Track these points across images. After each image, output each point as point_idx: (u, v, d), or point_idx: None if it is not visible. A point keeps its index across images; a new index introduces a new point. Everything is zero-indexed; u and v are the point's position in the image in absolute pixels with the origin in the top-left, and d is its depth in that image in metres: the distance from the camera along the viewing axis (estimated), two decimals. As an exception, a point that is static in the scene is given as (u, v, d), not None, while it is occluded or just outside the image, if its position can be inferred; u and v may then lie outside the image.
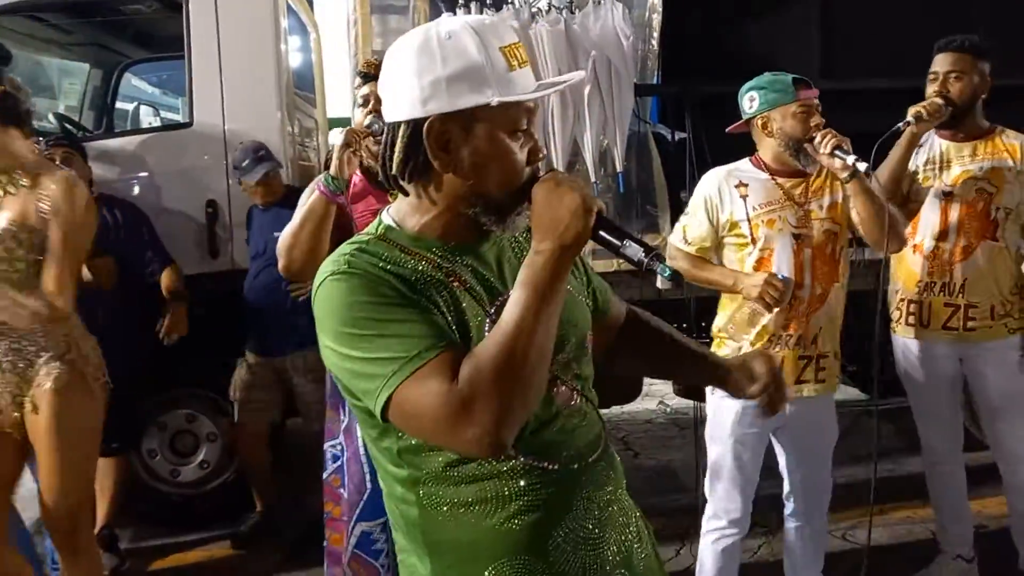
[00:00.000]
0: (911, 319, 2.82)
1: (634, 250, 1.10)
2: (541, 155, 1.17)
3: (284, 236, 2.30)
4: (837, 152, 2.31)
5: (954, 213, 2.71)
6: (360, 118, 2.36)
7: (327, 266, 1.13)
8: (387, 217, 1.21)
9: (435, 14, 3.51)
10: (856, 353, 3.77)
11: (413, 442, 1.14)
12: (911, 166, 2.76)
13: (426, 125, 1.11)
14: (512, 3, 3.41)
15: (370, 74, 2.33)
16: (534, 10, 3.39)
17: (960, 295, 2.72)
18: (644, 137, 3.66)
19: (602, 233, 1.10)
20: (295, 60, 4.16)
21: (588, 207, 1.06)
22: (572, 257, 1.08)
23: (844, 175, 2.35)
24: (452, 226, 1.17)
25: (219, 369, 3.56)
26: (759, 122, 2.45)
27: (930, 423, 2.95)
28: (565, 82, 1.18)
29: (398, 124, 1.14)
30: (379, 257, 1.12)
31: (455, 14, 3.36)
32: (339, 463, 2.43)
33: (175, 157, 3.64)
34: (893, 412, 4.48)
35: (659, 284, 3.36)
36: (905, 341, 2.88)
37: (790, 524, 2.70)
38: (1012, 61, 3.46)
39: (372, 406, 1.06)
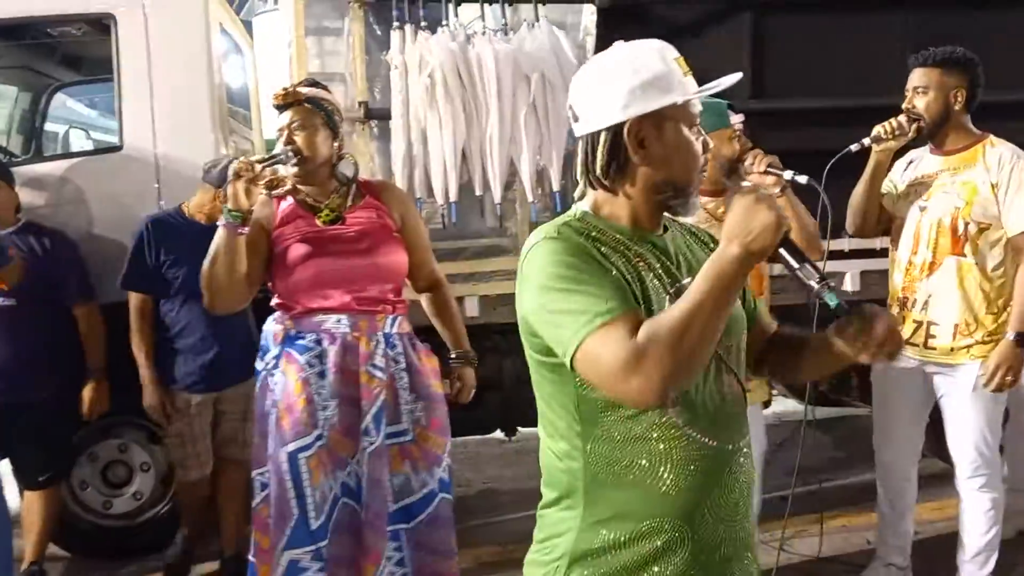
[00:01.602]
0: None
1: (809, 274, 1.21)
2: (710, 146, 1.37)
3: (202, 275, 2.30)
4: (771, 168, 2.41)
5: (925, 228, 2.70)
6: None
7: (538, 233, 1.32)
8: (582, 206, 1.39)
9: (370, 36, 3.51)
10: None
11: (593, 398, 1.27)
12: (902, 182, 2.76)
13: (627, 127, 1.30)
14: (447, 26, 3.43)
15: (283, 105, 2.34)
16: (470, 32, 3.42)
17: (924, 311, 2.71)
18: (580, 157, 3.68)
19: (783, 251, 1.21)
20: (230, 81, 4.10)
21: (779, 226, 1.19)
22: (753, 264, 1.20)
23: (776, 190, 2.43)
24: (640, 215, 1.36)
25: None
26: None
27: (886, 436, 2.94)
28: (718, 85, 1.33)
29: (598, 132, 1.33)
30: (581, 232, 1.31)
31: (390, 36, 3.39)
32: (267, 491, 2.37)
33: (105, 181, 3.54)
34: (831, 423, 4.59)
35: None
36: None
37: None
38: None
39: (563, 353, 1.22)
